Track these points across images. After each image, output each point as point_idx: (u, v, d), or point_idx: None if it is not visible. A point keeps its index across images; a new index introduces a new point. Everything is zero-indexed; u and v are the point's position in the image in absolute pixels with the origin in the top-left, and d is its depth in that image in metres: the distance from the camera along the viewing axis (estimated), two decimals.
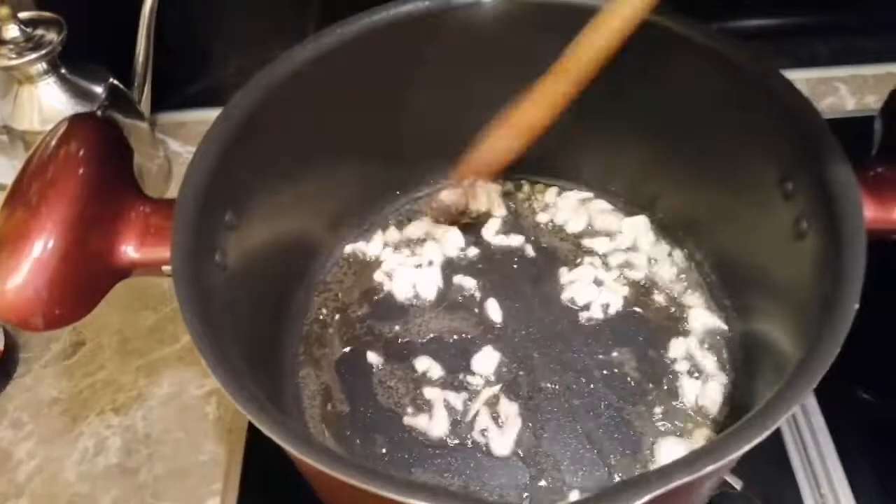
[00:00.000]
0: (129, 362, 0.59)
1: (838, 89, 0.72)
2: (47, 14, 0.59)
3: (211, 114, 0.78)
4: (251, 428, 0.52)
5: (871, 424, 0.51)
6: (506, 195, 0.57)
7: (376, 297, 0.53)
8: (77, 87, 0.61)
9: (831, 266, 0.33)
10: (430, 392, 0.48)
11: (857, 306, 0.31)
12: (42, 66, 0.59)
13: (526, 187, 0.58)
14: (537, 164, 0.56)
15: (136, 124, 0.66)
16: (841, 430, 0.49)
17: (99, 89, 0.62)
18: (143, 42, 0.64)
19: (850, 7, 0.69)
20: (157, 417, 0.56)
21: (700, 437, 0.45)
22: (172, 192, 0.70)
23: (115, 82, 0.63)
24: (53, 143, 0.39)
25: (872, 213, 0.36)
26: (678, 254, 0.53)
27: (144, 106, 0.67)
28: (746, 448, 0.28)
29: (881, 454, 0.49)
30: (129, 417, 0.56)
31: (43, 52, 0.58)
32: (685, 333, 0.49)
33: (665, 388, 0.47)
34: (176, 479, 0.53)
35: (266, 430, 0.31)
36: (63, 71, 0.61)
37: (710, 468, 0.26)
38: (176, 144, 0.74)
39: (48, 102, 0.60)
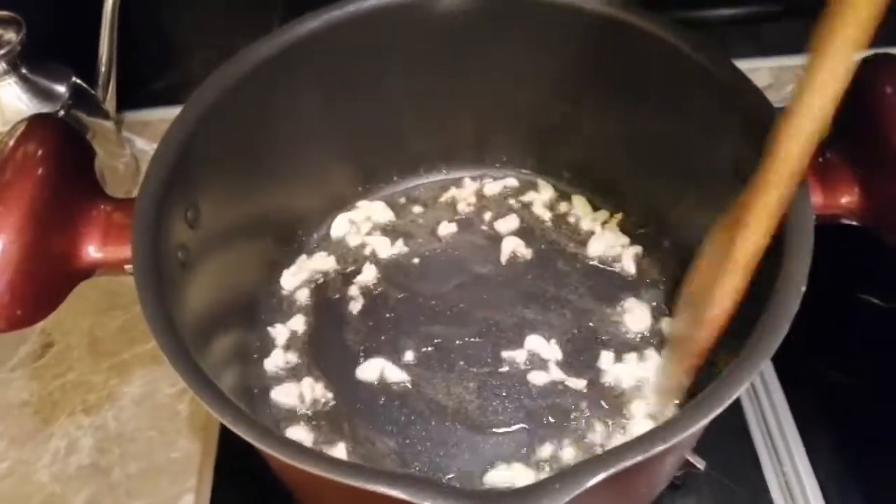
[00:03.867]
0: (99, 362, 0.59)
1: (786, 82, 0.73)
2: (5, 13, 0.58)
3: (176, 112, 0.77)
4: (224, 425, 0.52)
5: (831, 401, 0.52)
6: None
7: (341, 285, 0.53)
8: (39, 87, 0.61)
9: (780, 251, 0.34)
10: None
11: (803, 289, 0.32)
12: (1, 66, 0.58)
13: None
14: (486, 151, 0.57)
15: (101, 123, 0.65)
16: (801, 407, 0.51)
17: (62, 89, 0.61)
18: (107, 40, 0.63)
19: None
20: (129, 416, 0.56)
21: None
22: None
23: (79, 81, 0.63)
24: (11, 143, 0.39)
25: (821, 198, 0.37)
26: (640, 247, 0.53)
27: (109, 105, 0.66)
28: (695, 429, 0.28)
29: (841, 431, 0.51)
30: (100, 417, 0.56)
31: (1, 52, 0.57)
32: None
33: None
34: (149, 477, 0.53)
35: (232, 426, 0.32)
36: (24, 71, 0.60)
37: (660, 448, 0.27)
38: (142, 143, 0.73)
39: (9, 103, 0.59)
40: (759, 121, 0.36)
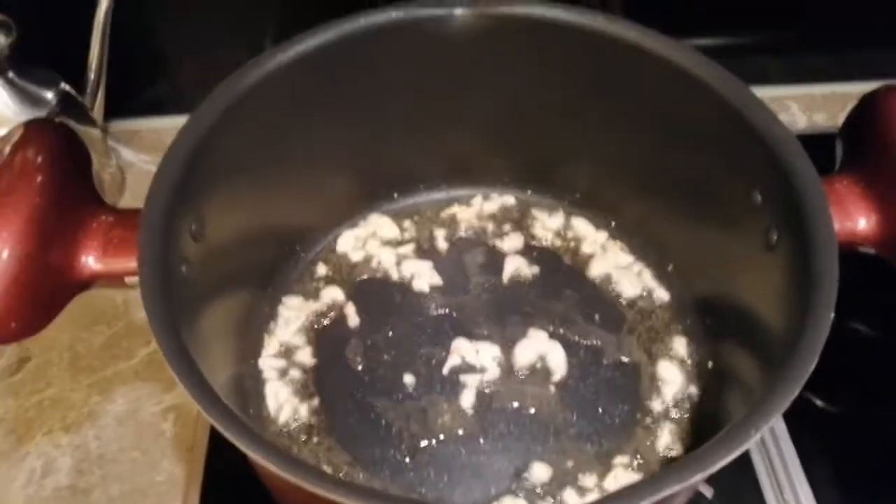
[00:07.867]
0: (79, 379, 0.56)
1: (790, 107, 0.74)
2: None
3: (165, 122, 0.76)
4: (212, 446, 0.50)
5: (830, 431, 0.52)
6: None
7: (340, 302, 0.52)
8: (26, 92, 0.59)
9: (804, 274, 0.34)
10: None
11: (832, 315, 0.32)
12: None
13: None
14: (488, 171, 0.56)
15: (88, 132, 0.63)
16: (802, 433, 0.50)
17: (49, 95, 0.60)
18: (97, 47, 0.62)
19: (799, 27, 0.72)
20: (111, 436, 0.54)
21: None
22: (126, 202, 0.68)
23: (67, 88, 0.61)
24: (8, 150, 0.38)
25: (838, 225, 0.36)
26: (644, 270, 0.53)
27: (97, 113, 0.64)
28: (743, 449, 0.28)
29: (841, 459, 0.51)
30: (80, 436, 0.54)
31: None
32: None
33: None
34: (132, 500, 0.51)
35: (236, 440, 0.30)
36: (11, 75, 0.58)
37: (698, 476, 0.26)
38: (129, 153, 0.71)
39: None
40: (780, 152, 0.36)
